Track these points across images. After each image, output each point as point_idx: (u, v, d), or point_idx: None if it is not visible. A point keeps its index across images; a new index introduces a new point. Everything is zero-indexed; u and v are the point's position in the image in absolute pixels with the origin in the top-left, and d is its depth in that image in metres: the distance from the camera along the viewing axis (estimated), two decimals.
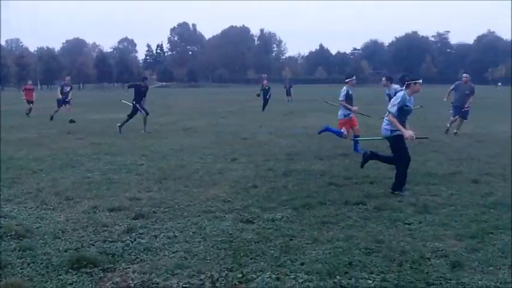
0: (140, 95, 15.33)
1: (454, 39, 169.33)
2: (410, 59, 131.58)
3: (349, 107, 10.96)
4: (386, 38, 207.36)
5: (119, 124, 15.03)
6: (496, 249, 4.73)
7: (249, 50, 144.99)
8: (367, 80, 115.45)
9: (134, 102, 15.27)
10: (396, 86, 10.79)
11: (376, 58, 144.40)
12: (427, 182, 7.77)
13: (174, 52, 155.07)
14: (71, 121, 19.01)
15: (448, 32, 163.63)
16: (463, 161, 9.80)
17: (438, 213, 6.04)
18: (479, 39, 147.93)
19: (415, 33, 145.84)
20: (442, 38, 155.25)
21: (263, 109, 25.15)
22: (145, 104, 15.51)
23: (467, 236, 5.09)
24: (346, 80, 11.24)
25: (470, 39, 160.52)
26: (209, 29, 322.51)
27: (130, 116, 15.39)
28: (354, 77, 11.32)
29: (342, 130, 11.08)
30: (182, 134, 15.09)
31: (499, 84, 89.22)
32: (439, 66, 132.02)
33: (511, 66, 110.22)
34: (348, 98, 10.96)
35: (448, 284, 3.97)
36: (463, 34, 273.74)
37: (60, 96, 20.56)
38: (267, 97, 25.59)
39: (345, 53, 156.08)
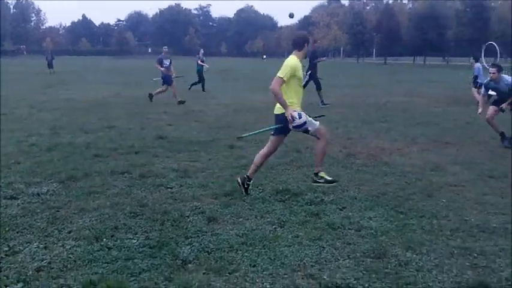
0: None
1: (215, 13, 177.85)
2: (175, 32, 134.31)
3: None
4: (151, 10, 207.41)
5: None
6: (246, 203, 5.42)
7: (4, 18, 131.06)
8: (132, 51, 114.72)
9: None
10: None
11: (141, 30, 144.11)
12: (189, 150, 8.32)
13: None
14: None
15: (210, 5, 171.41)
16: (220, 129, 10.65)
17: (197, 176, 6.59)
18: (239, 13, 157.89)
19: (178, 5, 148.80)
20: (204, 11, 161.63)
21: None
22: None
23: (222, 195, 5.71)
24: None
25: (230, 13, 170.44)
26: None
27: None
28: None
29: None
30: None
31: (265, 56, 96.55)
32: (202, 39, 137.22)
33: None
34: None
35: (204, 236, 4.47)
36: (223, 8, 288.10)
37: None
38: None
39: (108, 24, 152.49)
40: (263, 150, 5.88)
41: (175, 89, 16.33)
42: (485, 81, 9.87)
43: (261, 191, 5.92)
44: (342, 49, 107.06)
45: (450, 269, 3.83)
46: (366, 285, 3.60)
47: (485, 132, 10.01)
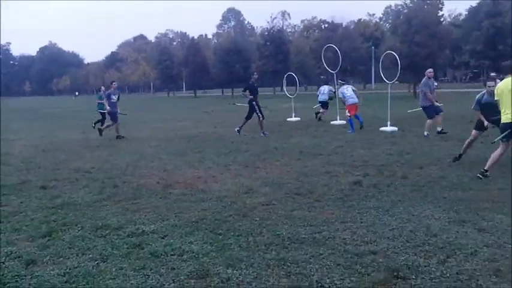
0: None
1: (16, 51, 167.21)
2: None
3: None
4: None
5: None
6: (65, 242, 5.27)
7: None
8: None
9: None
10: None
11: None
12: None
13: None
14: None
15: (10, 43, 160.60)
16: (30, 170, 10.09)
17: (10, 220, 6.21)
18: (42, 50, 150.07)
19: None
20: (3, 50, 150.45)
21: None
22: None
23: (39, 236, 5.48)
24: None
25: (33, 51, 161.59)
26: None
27: None
28: None
29: None
30: None
31: (77, 94, 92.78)
32: (4, 78, 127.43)
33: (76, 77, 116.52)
34: None
35: (23, 280, 4.27)
36: (24, 46, 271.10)
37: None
38: None
39: None
40: (498, 152, 7.91)
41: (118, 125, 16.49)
42: (478, 96, 9.68)
43: (80, 228, 5.81)
44: (152, 84, 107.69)
45: (268, 279, 4.18)
46: None
47: (291, 153, 11.00)
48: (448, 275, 4.15)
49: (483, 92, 9.54)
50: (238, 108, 23.06)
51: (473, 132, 9.73)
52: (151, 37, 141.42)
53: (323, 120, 20.12)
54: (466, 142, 9.76)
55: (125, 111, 16.82)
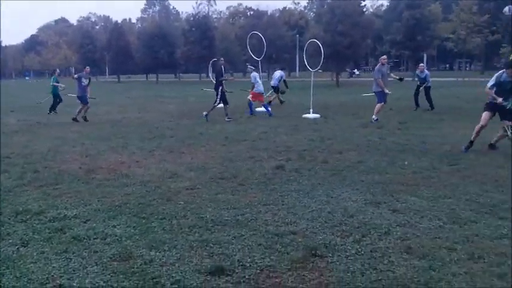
0: None
1: None
2: None
3: None
4: None
5: None
6: None
7: None
8: None
9: None
10: None
11: None
12: None
13: None
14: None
15: None
16: None
17: None
18: None
19: None
20: None
21: None
22: None
23: None
24: None
25: None
26: None
27: None
28: None
29: None
30: None
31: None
32: None
33: None
34: None
35: None
36: None
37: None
38: None
39: None
40: None
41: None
42: (497, 74, 9.38)
43: None
44: (73, 68, 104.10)
45: (191, 260, 4.26)
46: (115, 285, 3.81)
47: (216, 139, 11.12)
48: (362, 252, 4.40)
49: (503, 71, 9.28)
50: (164, 96, 22.79)
51: (485, 114, 9.37)
52: (73, 20, 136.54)
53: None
54: (477, 128, 9.39)
55: (44, 97, 16.19)
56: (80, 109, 16.50)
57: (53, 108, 20.29)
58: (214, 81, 16.23)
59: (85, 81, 16.50)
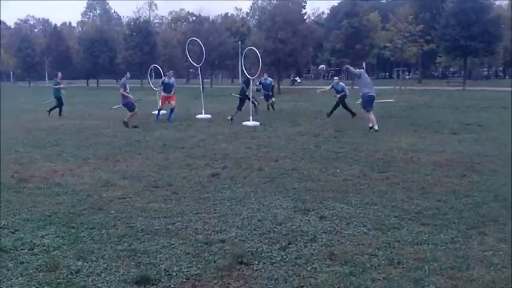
0: None
1: None
2: None
3: None
4: None
5: None
6: None
7: None
8: None
9: None
10: None
11: None
12: None
13: None
14: None
15: None
16: None
17: None
18: None
19: None
20: None
21: None
22: None
23: None
24: None
25: None
26: None
27: None
28: None
29: None
30: None
31: None
32: None
33: None
34: None
35: None
36: None
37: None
38: None
39: None
40: None
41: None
42: None
43: None
44: (11, 73, 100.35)
45: (117, 270, 4.29)
46: None
47: (154, 147, 11.09)
48: (287, 259, 4.55)
49: None
50: (104, 102, 22.37)
51: None
52: (10, 23, 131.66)
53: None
54: None
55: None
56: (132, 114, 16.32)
57: (59, 110, 20.53)
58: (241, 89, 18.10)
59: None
